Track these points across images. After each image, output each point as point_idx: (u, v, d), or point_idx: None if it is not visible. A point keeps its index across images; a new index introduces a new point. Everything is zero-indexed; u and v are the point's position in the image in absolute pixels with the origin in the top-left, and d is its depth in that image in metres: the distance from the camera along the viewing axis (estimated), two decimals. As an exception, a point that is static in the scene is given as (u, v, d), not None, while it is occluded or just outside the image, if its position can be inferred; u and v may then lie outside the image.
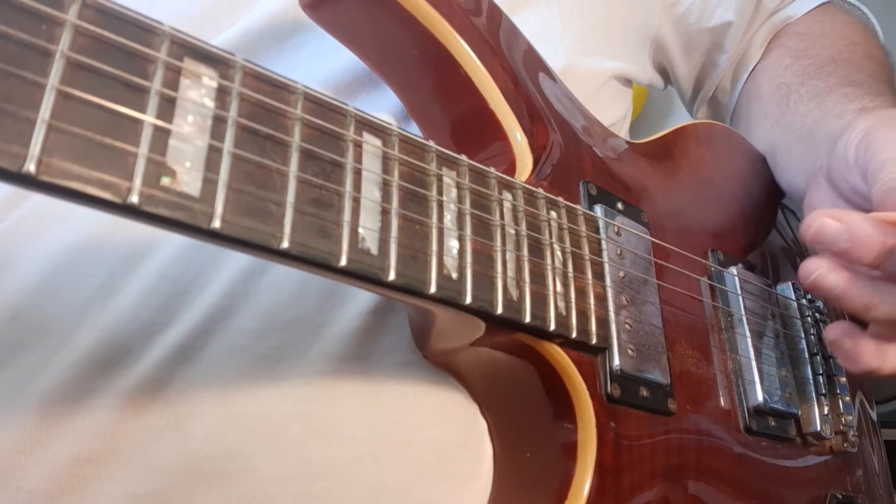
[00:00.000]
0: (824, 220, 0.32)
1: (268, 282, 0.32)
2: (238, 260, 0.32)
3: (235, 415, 0.30)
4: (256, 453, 0.30)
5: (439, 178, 0.26)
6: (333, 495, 0.31)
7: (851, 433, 0.46)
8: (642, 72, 0.53)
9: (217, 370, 0.30)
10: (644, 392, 0.33)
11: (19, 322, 0.30)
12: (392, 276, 0.23)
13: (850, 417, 0.46)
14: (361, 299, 0.33)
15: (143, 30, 0.20)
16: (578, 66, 0.45)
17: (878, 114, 0.41)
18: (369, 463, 0.31)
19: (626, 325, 0.33)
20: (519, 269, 0.28)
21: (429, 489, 0.32)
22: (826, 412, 0.43)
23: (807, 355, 0.45)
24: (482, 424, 0.34)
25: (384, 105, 0.36)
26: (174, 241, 0.32)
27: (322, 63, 0.36)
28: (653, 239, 0.37)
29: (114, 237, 0.31)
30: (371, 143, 0.24)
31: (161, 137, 0.19)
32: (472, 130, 0.34)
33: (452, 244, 0.26)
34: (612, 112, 0.49)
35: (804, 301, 0.47)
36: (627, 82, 0.52)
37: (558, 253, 0.30)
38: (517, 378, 0.32)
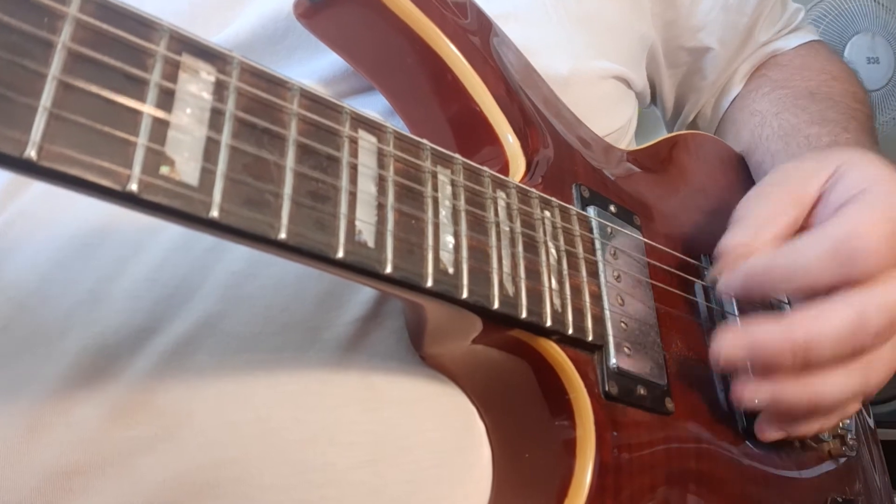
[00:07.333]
0: (728, 350, 0.32)
1: (261, 285, 0.31)
2: (229, 263, 0.31)
3: (230, 422, 0.29)
4: (252, 462, 0.29)
5: (434, 176, 0.27)
6: (332, 503, 0.30)
7: (850, 437, 0.45)
8: (639, 79, 0.53)
9: (209, 377, 0.30)
10: (641, 391, 0.33)
11: (9, 333, 0.29)
12: (389, 269, 0.23)
13: (849, 421, 0.46)
14: (358, 303, 0.33)
15: (143, 25, 0.20)
16: (584, 68, 0.45)
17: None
18: (369, 469, 0.31)
19: (622, 324, 0.33)
20: (514, 266, 0.28)
21: (429, 494, 0.32)
22: (824, 415, 0.43)
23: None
24: (480, 427, 0.34)
25: (378, 107, 0.37)
26: (161, 245, 0.31)
27: (315, 64, 0.37)
28: (646, 240, 0.37)
29: (102, 240, 0.31)
30: (366, 139, 0.25)
31: (160, 128, 0.19)
32: (464, 134, 0.34)
33: (448, 239, 0.26)
34: (617, 115, 0.49)
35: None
36: (629, 86, 0.52)
37: (553, 251, 0.30)
38: (515, 378, 0.32)
